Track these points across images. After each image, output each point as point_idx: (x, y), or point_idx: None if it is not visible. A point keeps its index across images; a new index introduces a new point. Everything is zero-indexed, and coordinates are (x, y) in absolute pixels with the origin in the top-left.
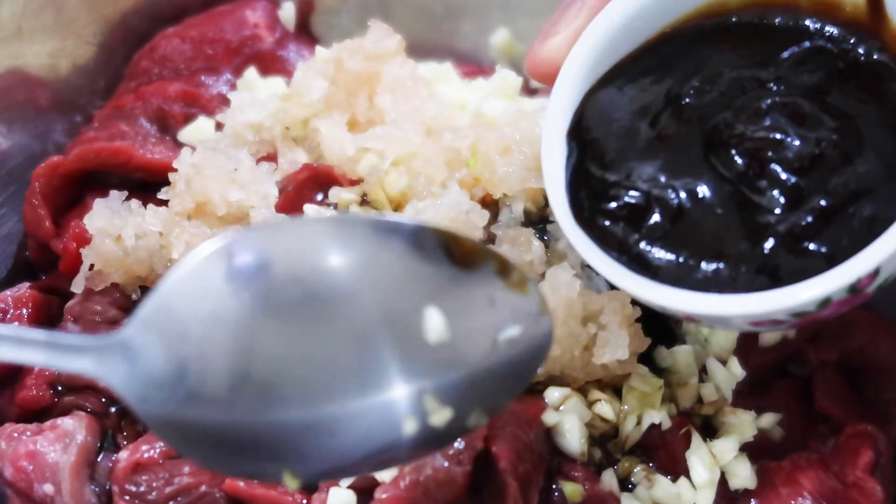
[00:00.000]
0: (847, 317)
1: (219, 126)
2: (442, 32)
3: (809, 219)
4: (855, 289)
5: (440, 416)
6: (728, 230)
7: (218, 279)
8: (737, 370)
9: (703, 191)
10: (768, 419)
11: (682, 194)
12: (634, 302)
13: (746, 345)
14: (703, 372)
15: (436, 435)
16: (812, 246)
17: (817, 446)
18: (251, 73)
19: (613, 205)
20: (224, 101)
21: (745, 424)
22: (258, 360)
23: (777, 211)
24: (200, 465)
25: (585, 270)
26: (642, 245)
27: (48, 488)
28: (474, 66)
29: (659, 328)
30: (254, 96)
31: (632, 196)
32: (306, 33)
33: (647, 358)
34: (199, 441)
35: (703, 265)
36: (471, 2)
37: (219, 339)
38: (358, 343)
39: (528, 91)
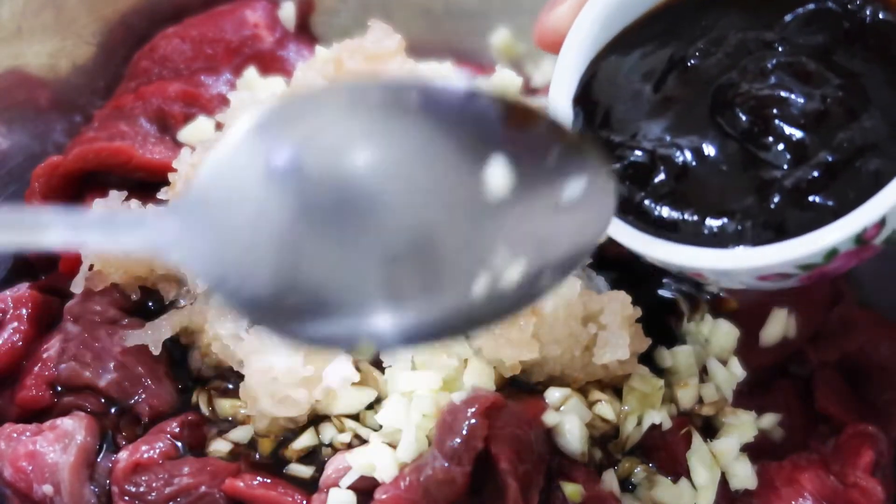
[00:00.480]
0: (847, 317)
1: (219, 126)
2: (442, 32)
3: (815, 174)
4: (861, 239)
5: (514, 270)
6: (734, 187)
7: (265, 148)
8: (737, 370)
9: (708, 149)
10: (768, 419)
11: (688, 153)
12: (635, 302)
13: (747, 345)
14: (703, 372)
15: (510, 295)
16: (818, 199)
17: (817, 446)
18: (251, 72)
19: (618, 165)
20: (224, 101)
21: (745, 425)
22: (324, 220)
23: (783, 166)
24: (276, 335)
25: (586, 271)
26: (647, 203)
27: (48, 489)
28: (474, 66)
29: (659, 328)
30: (254, 96)
31: (637, 155)
32: (306, 33)
33: (647, 358)
34: (271, 308)
35: (709, 221)
36: (471, 2)
37: (275, 204)
38: (422, 202)
39: (528, 91)
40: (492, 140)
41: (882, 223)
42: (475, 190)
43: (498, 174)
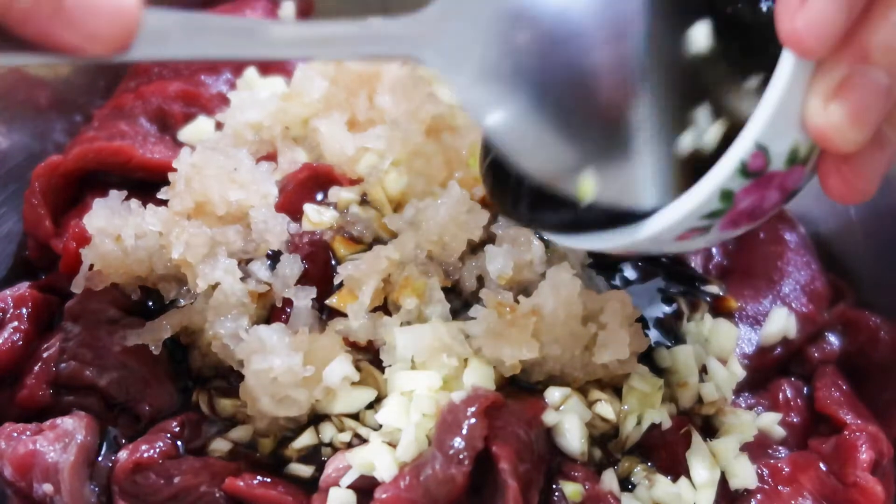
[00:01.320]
0: (847, 317)
1: (218, 126)
2: None
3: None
4: (748, 172)
5: (715, 129)
6: None
7: None
8: (737, 370)
9: None
10: (768, 419)
11: None
12: (634, 302)
13: (747, 345)
14: (703, 372)
15: (709, 158)
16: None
17: (817, 446)
18: (251, 72)
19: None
20: (224, 101)
21: (745, 424)
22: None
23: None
24: (511, 156)
25: (586, 270)
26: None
27: (48, 488)
28: None
29: (659, 328)
30: (254, 96)
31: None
32: None
33: (647, 358)
34: (508, 127)
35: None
36: None
37: (501, 38)
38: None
39: None
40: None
41: (762, 150)
42: (680, 50)
43: (700, 32)
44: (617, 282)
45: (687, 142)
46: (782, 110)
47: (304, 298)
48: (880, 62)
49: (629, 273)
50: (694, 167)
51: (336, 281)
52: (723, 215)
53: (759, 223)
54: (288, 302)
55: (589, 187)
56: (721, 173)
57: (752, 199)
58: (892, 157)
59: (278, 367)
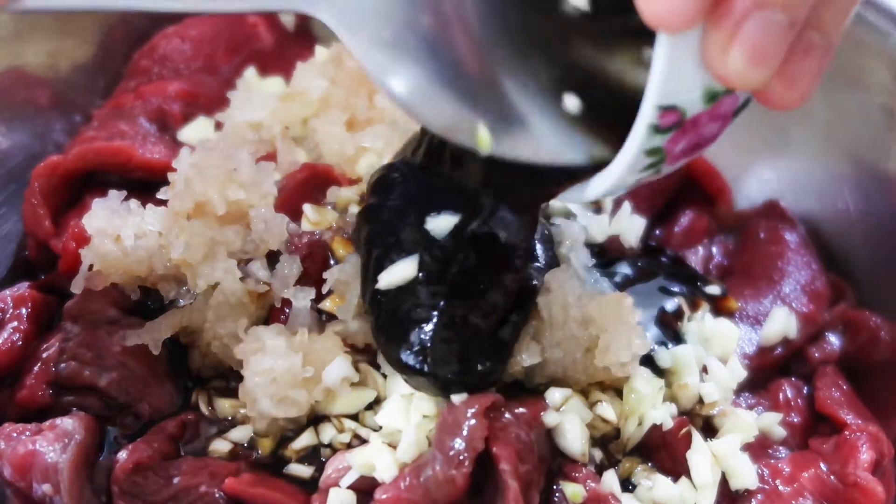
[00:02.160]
0: (847, 317)
1: (218, 125)
2: None
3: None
4: (664, 129)
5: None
6: None
7: None
8: (737, 370)
9: None
10: (769, 419)
11: None
12: (635, 304)
13: (747, 345)
14: (703, 372)
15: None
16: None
17: (818, 446)
18: (251, 72)
19: None
20: (224, 101)
21: (745, 424)
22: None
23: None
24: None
25: (591, 273)
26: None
27: (47, 488)
28: None
29: (660, 328)
30: (253, 96)
31: None
32: (306, 33)
33: (647, 358)
34: (408, 87)
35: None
36: None
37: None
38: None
39: None
40: None
41: (670, 108)
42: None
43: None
44: (618, 280)
45: (572, 102)
46: (675, 71)
47: (302, 299)
48: (775, 4)
49: (630, 274)
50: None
51: (324, 288)
52: (663, 161)
53: (715, 141)
54: (287, 302)
55: (485, 139)
56: (636, 141)
57: (688, 138)
58: (824, 56)
59: (277, 368)
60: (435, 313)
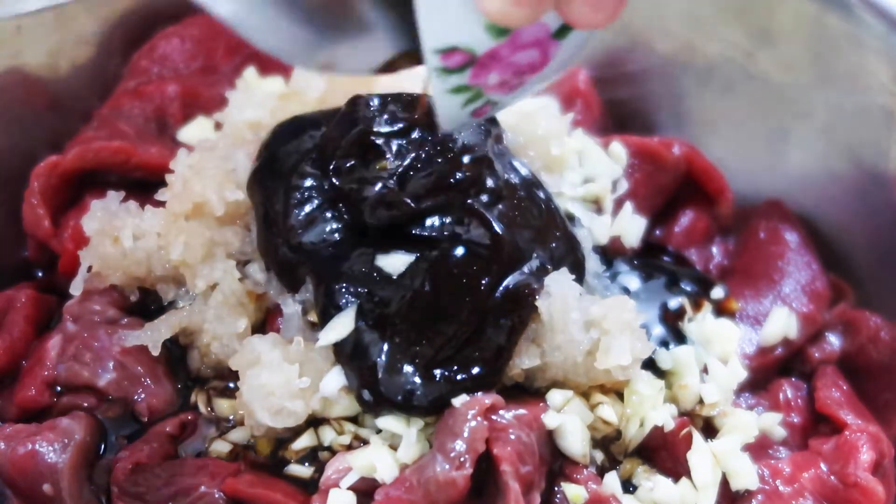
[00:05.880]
0: (847, 317)
1: (217, 125)
2: None
3: None
4: (456, 69)
5: None
6: None
7: None
8: (738, 370)
9: None
10: (769, 419)
11: None
12: (637, 304)
13: (747, 345)
14: (703, 372)
15: None
16: None
17: (818, 447)
18: (250, 72)
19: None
20: (223, 101)
21: (746, 425)
22: None
23: None
24: (279, 55)
25: (601, 279)
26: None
27: (47, 488)
28: None
29: (661, 329)
30: (252, 95)
31: None
32: None
33: (648, 360)
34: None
35: None
36: None
37: None
38: None
39: None
40: None
41: (450, 50)
42: None
43: None
44: (619, 281)
45: None
46: (439, 15)
47: (291, 306)
48: None
49: (631, 274)
50: None
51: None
52: (482, 93)
53: (559, 63)
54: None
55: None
56: (434, 86)
57: (499, 70)
58: None
59: (274, 382)
60: (384, 346)
